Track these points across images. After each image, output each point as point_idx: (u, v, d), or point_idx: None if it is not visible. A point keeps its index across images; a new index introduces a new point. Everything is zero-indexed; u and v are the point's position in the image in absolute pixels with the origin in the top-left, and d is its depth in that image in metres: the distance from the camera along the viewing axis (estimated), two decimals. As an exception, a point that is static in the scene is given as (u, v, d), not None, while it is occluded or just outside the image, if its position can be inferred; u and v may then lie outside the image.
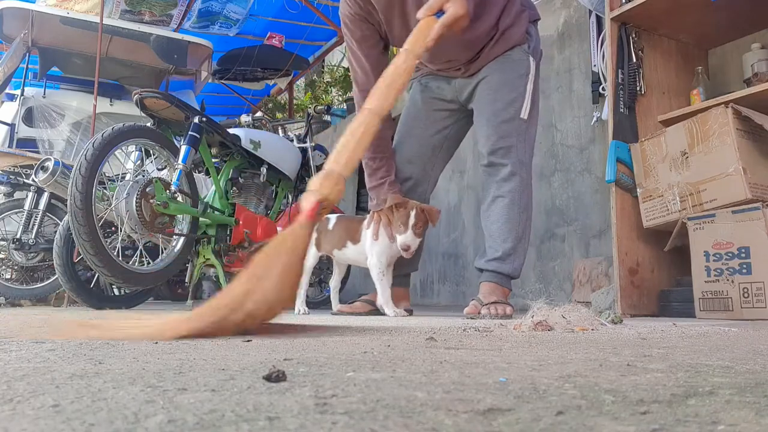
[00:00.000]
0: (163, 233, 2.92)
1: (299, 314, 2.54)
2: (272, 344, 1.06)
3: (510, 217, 2.29)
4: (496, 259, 2.29)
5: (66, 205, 2.89)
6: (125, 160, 3.25)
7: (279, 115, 7.94)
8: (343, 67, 7.69)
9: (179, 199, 2.96)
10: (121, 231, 2.88)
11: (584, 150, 3.39)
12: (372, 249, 2.40)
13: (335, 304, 2.59)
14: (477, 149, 2.56)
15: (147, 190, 2.82)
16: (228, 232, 3.21)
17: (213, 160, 3.28)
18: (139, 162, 3.26)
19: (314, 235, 2.57)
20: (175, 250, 2.99)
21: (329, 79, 7.94)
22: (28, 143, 4.84)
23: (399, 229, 2.26)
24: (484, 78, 2.41)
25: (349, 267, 4.04)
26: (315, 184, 1.44)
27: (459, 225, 4.35)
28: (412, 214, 2.24)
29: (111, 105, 5.26)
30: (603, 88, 3.08)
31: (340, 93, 7.64)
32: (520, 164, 2.31)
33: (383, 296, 2.36)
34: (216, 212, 3.18)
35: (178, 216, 2.97)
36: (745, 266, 2.08)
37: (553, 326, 1.40)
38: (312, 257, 2.62)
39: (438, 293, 4.46)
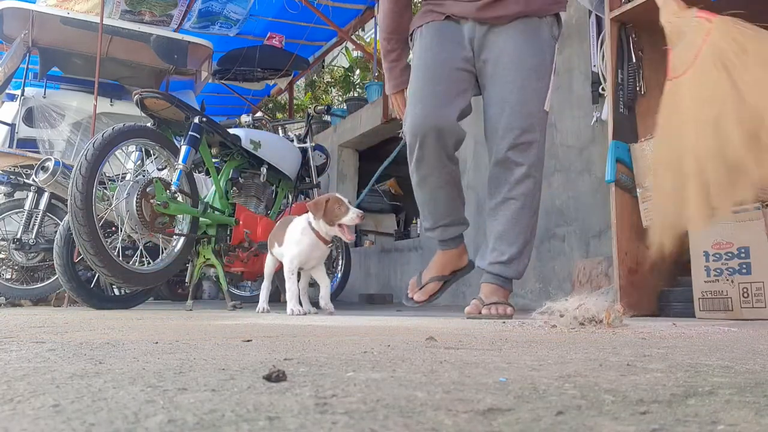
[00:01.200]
0: (163, 233, 2.92)
1: (262, 312, 2.65)
2: (272, 344, 1.06)
3: (519, 221, 2.22)
4: (500, 262, 2.24)
5: (66, 205, 2.89)
6: (125, 160, 3.25)
7: (279, 115, 7.94)
8: (343, 67, 7.70)
9: (179, 199, 2.96)
10: (121, 231, 2.88)
11: (584, 150, 3.39)
12: (289, 250, 2.56)
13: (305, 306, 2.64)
14: (485, 136, 2.31)
15: (147, 190, 2.82)
16: (228, 232, 3.21)
17: (213, 160, 3.28)
18: (139, 162, 3.26)
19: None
20: (175, 250, 2.99)
21: (329, 79, 7.94)
22: (29, 143, 4.85)
23: (341, 212, 2.42)
24: (506, 52, 2.20)
25: (348, 265, 4.06)
26: None
27: (459, 225, 4.34)
28: (340, 196, 2.46)
29: (111, 105, 5.26)
30: (603, 88, 3.08)
31: (340, 93, 7.64)
32: (538, 163, 2.21)
33: (289, 293, 2.51)
34: (216, 212, 3.18)
35: (178, 216, 2.97)
36: (744, 266, 2.08)
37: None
38: (271, 263, 2.78)
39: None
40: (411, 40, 2.41)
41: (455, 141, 2.24)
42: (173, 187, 2.90)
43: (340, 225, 2.45)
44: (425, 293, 2.43)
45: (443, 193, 2.31)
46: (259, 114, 4.01)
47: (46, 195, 3.98)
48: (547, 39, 2.26)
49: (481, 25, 2.24)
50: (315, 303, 2.71)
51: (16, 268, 4.18)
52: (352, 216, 2.42)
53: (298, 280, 2.61)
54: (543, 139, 2.23)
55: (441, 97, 2.21)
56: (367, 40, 7.83)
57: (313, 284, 3.69)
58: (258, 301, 2.78)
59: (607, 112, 2.68)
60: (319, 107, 3.99)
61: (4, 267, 4.25)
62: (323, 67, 8.28)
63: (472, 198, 4.26)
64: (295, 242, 2.54)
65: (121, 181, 2.92)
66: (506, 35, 2.23)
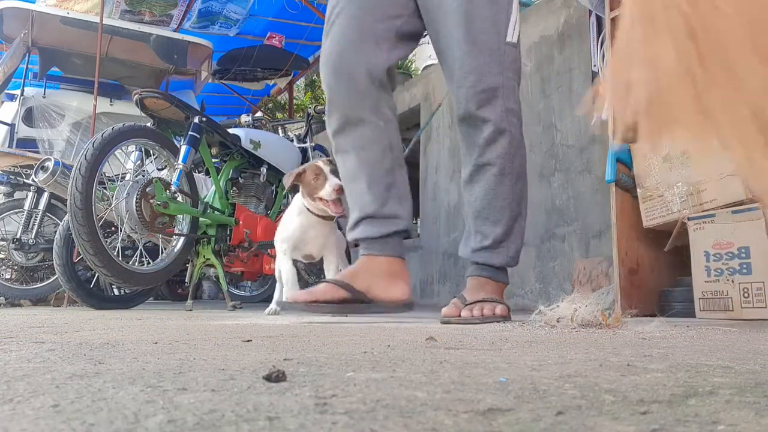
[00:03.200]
0: (163, 233, 2.92)
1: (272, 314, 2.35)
2: (272, 344, 1.06)
3: (500, 192, 1.77)
4: (485, 248, 1.80)
5: (66, 205, 2.90)
6: (125, 160, 3.26)
7: (279, 115, 7.95)
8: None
9: (179, 199, 2.96)
10: (121, 231, 2.88)
11: (584, 150, 3.39)
12: (279, 231, 2.37)
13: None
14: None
15: (147, 190, 2.82)
16: (228, 232, 3.21)
17: (213, 160, 3.28)
18: (139, 162, 3.26)
19: None
20: (175, 250, 2.99)
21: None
22: (28, 143, 4.84)
23: (318, 184, 2.13)
24: None
25: (348, 265, 4.05)
26: None
27: (459, 225, 4.35)
28: (321, 163, 2.18)
29: (111, 105, 5.26)
30: (603, 88, 3.08)
31: (340, 93, 7.65)
32: (508, 115, 1.73)
33: (283, 284, 2.28)
34: (216, 212, 3.18)
35: (178, 216, 2.97)
36: (745, 266, 2.08)
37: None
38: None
39: (438, 293, 4.46)
40: None
41: (383, 77, 1.79)
42: (173, 187, 2.90)
43: (321, 198, 2.16)
44: (311, 295, 1.73)
45: (371, 160, 1.80)
46: (259, 114, 4.01)
47: (45, 195, 3.98)
48: None
49: None
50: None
51: (15, 268, 4.18)
52: (327, 189, 2.10)
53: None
54: (511, 82, 1.75)
55: (367, 29, 1.78)
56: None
57: (314, 284, 3.69)
58: (266, 301, 2.65)
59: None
60: (319, 107, 3.99)
61: (3, 267, 4.25)
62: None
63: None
64: (287, 222, 2.33)
65: (120, 181, 2.92)
66: None
